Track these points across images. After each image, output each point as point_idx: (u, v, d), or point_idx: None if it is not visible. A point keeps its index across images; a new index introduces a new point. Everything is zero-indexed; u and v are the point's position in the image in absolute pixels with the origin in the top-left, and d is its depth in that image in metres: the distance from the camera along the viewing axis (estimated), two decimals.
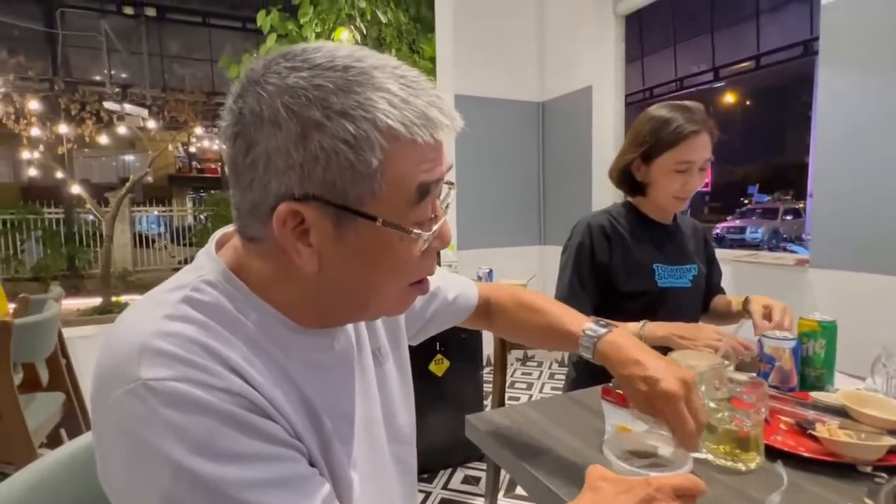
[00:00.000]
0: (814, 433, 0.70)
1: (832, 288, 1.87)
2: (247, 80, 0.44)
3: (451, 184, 0.50)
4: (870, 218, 1.77)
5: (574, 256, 1.23)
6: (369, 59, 0.43)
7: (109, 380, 0.41)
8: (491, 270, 2.26)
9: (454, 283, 0.80)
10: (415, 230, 0.45)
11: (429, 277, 0.52)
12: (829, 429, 0.70)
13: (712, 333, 1.00)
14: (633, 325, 1.12)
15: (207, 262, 0.49)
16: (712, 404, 0.71)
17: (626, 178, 1.27)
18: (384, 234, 0.44)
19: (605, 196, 2.90)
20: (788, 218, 12.45)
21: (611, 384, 0.95)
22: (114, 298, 6.57)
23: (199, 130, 8.16)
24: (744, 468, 0.68)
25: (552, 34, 3.34)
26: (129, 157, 12.78)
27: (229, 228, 0.52)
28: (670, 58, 12.84)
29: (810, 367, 0.92)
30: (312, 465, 0.48)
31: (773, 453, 0.70)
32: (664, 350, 0.99)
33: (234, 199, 0.46)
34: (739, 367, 0.95)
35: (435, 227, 0.47)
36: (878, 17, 1.72)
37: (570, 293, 1.22)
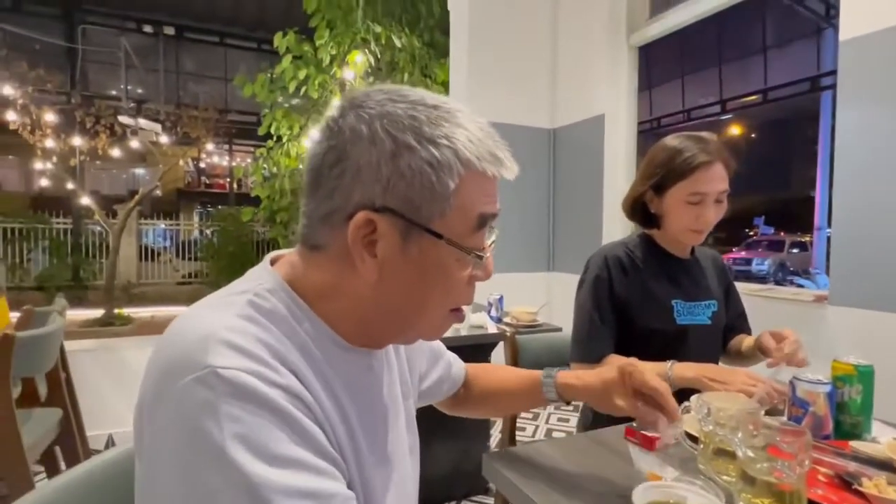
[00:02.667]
0: (860, 489, 0.66)
1: (853, 327, 1.81)
2: (348, 102, 0.50)
3: (493, 227, 0.54)
4: (892, 253, 1.72)
5: (592, 290, 1.19)
6: (452, 104, 0.51)
7: (176, 369, 0.42)
8: (501, 297, 2.22)
9: (448, 353, 0.83)
10: (473, 252, 0.50)
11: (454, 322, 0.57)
12: (876, 484, 0.66)
13: (745, 378, 0.96)
14: (661, 366, 1.07)
15: (264, 274, 0.52)
16: (750, 453, 0.66)
17: (639, 210, 1.24)
18: (444, 253, 0.49)
19: (616, 223, 2.88)
20: (795, 251, 12.38)
21: (634, 424, 0.90)
22: (116, 311, 6.54)
23: (210, 146, 8.24)
24: None
25: (565, 63, 3.37)
26: (140, 171, 12.91)
27: (282, 252, 0.57)
28: (678, 89, 12.97)
29: (846, 413, 0.87)
30: (350, 486, 0.48)
31: None
32: (692, 392, 0.94)
33: (306, 208, 0.51)
34: (767, 412, 0.90)
35: (483, 258, 0.51)
36: None
37: (591, 329, 1.17)
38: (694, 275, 1.24)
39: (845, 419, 0.88)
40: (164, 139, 7.01)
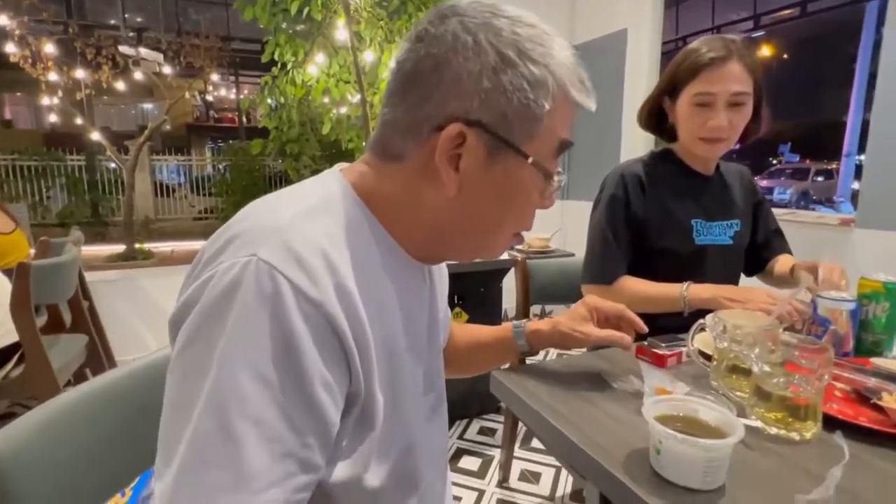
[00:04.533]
0: (879, 402, 0.64)
1: (880, 249, 1.75)
2: (449, 10, 0.48)
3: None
4: None
5: (607, 210, 1.14)
6: (546, 25, 0.49)
7: (232, 247, 0.42)
8: None
9: None
10: (552, 177, 0.50)
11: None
12: None
13: (764, 297, 0.92)
14: (676, 287, 1.04)
15: (333, 180, 0.51)
16: (767, 367, 0.64)
17: (654, 120, 1.15)
18: (526, 174, 0.49)
19: (636, 149, 2.76)
20: (819, 179, 11.93)
21: (645, 343, 0.89)
22: (137, 246, 6.67)
23: (214, 77, 7.96)
24: (798, 438, 0.62)
25: None
26: (148, 106, 12.70)
27: (347, 164, 0.55)
28: (708, 4, 12.01)
29: (869, 331, 0.84)
30: (372, 403, 0.47)
31: (829, 423, 0.64)
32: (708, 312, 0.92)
33: (390, 115, 0.49)
34: (787, 330, 0.87)
35: (553, 184, 0.52)
36: None
37: (604, 250, 1.13)
38: (717, 192, 1.17)
39: (867, 337, 0.85)
40: (167, 70, 6.77)
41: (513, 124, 0.47)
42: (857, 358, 0.81)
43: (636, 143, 2.79)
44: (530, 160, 0.48)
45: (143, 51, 6.32)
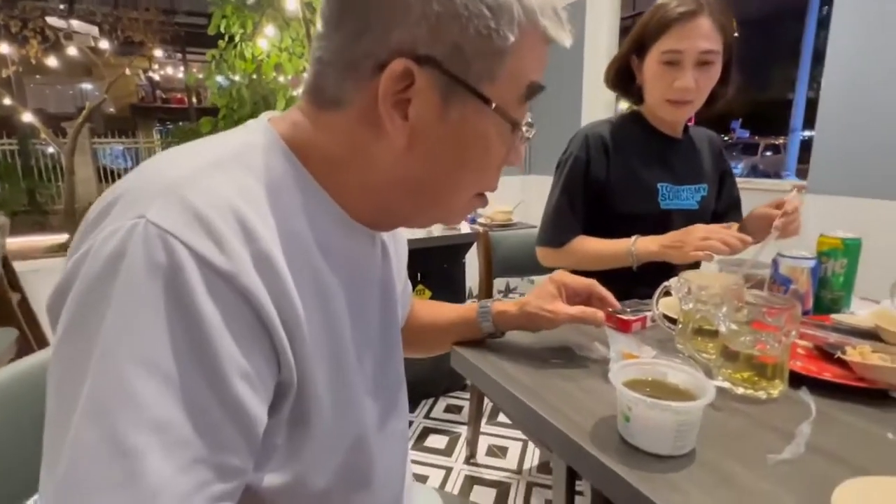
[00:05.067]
0: (843, 357, 0.63)
1: (831, 213, 1.81)
2: None
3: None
4: (872, 144, 1.72)
5: (567, 173, 1.10)
6: None
7: (116, 210, 0.35)
8: None
9: None
10: (519, 127, 0.43)
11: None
12: (860, 352, 0.63)
13: (700, 233, 0.90)
14: (624, 242, 1.02)
15: (258, 130, 0.43)
16: (734, 326, 0.62)
17: (621, 80, 1.11)
18: (488, 123, 0.42)
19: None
20: (768, 154, 12.44)
21: (611, 309, 0.86)
22: None
23: (158, 54, 7.52)
24: (765, 396, 0.60)
25: None
26: (87, 86, 11.89)
27: (277, 112, 0.46)
28: None
29: (827, 289, 0.84)
30: (308, 384, 0.40)
31: (794, 380, 0.62)
32: (663, 269, 0.90)
33: (323, 51, 0.41)
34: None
35: (521, 136, 0.45)
36: None
37: (558, 214, 1.10)
38: (685, 156, 1.14)
39: (826, 294, 0.85)
40: (104, 45, 6.34)
41: (471, 61, 0.39)
42: (817, 315, 0.81)
43: (597, 117, 2.78)
44: (493, 106, 0.41)
45: (76, 23, 5.88)
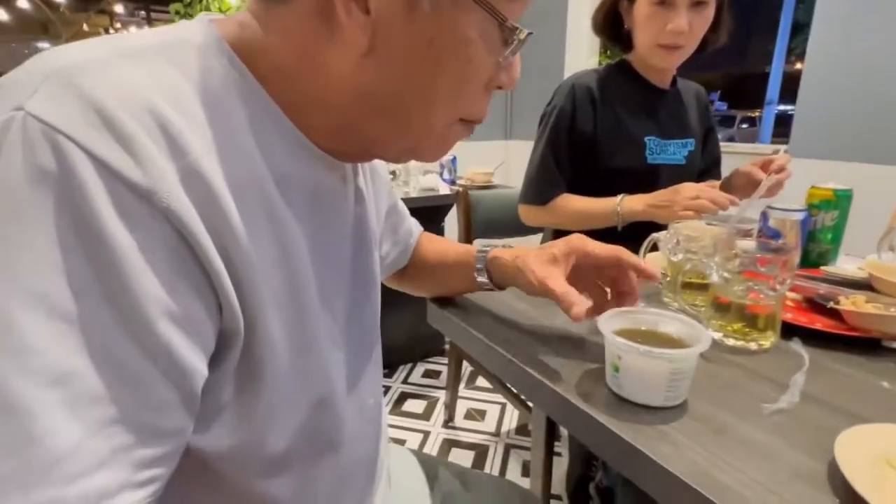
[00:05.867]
0: (836, 307, 0.60)
1: (811, 176, 1.81)
2: None
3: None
4: (854, 109, 1.74)
5: (552, 125, 1.05)
6: None
7: None
8: (454, 157, 2.07)
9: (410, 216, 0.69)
10: (508, 26, 0.35)
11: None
12: (853, 302, 0.60)
13: (689, 192, 0.88)
14: (610, 201, 0.99)
15: (195, 27, 0.35)
16: (727, 275, 0.59)
17: (609, 26, 1.05)
18: (468, 18, 0.34)
19: None
20: (744, 126, 12.61)
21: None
22: None
23: (120, 10, 7.07)
24: (756, 347, 0.58)
25: None
26: (44, 45, 11.22)
27: (220, 15, 0.37)
28: None
29: (815, 242, 0.82)
30: (255, 332, 0.34)
31: (786, 331, 0.60)
32: (649, 229, 0.87)
33: None
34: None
35: (518, 42, 0.36)
36: None
37: (542, 170, 1.06)
38: (673, 109, 1.10)
39: (814, 248, 0.83)
40: None
41: None
42: (805, 269, 0.79)
43: None
44: None
45: None
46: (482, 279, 0.62)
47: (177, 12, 4.41)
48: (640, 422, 0.44)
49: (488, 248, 0.63)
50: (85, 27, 6.76)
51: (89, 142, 0.25)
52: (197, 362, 0.30)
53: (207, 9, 4.30)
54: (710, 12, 0.95)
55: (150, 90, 0.29)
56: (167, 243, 0.28)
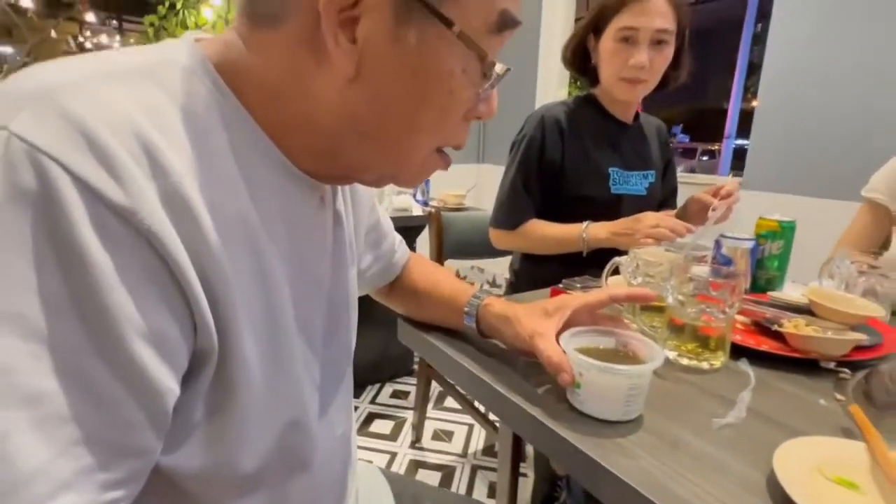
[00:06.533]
0: (780, 330, 0.65)
1: (764, 208, 1.92)
2: None
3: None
4: (803, 146, 1.87)
5: (522, 153, 1.10)
6: None
7: None
8: (428, 179, 2.10)
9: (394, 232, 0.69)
10: (488, 60, 0.36)
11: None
12: (795, 325, 0.65)
13: (650, 220, 0.94)
14: (576, 228, 1.04)
15: (181, 48, 0.35)
16: (681, 297, 0.63)
17: (578, 59, 1.12)
18: (451, 53, 0.35)
19: None
20: (705, 158, 13.26)
21: (560, 285, 0.87)
22: None
23: (91, 19, 6.93)
24: (708, 367, 0.61)
25: None
26: (7, 50, 10.84)
27: (206, 34, 0.38)
28: None
29: (763, 269, 0.88)
30: (231, 356, 0.34)
31: (734, 352, 0.64)
32: (613, 253, 0.91)
33: None
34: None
35: (496, 76, 0.38)
36: None
37: (512, 196, 1.10)
38: (636, 142, 1.17)
39: (762, 275, 0.88)
40: (27, 2, 5.77)
41: None
42: (754, 294, 0.84)
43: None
44: (456, 30, 0.34)
45: None
46: (469, 323, 0.62)
47: (151, 24, 4.37)
48: (599, 436, 0.47)
49: (485, 293, 0.63)
50: (53, 34, 6.60)
51: (72, 162, 0.26)
52: (169, 382, 0.30)
53: (183, 22, 4.27)
54: (669, 51, 1.03)
55: (134, 111, 0.29)
56: (145, 263, 0.28)
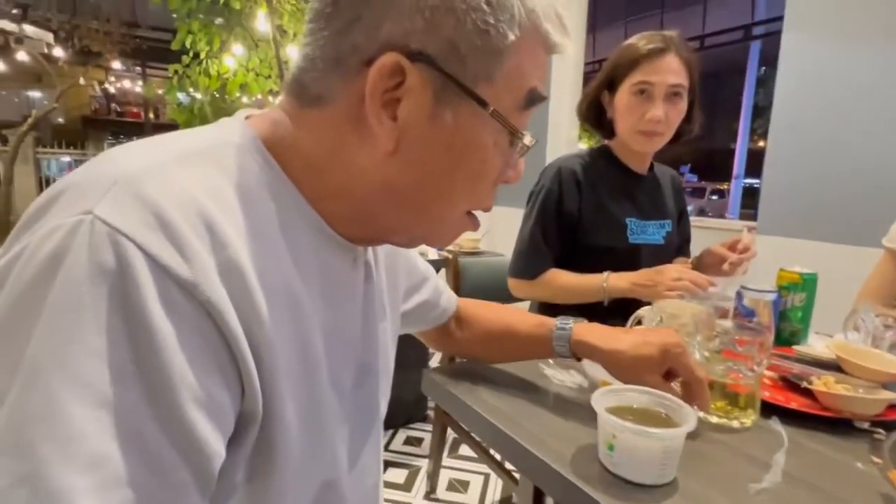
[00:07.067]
0: (809, 387, 0.64)
1: (780, 253, 1.91)
2: None
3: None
4: (817, 190, 1.86)
5: (540, 205, 1.12)
6: None
7: (58, 205, 0.30)
8: None
9: (436, 277, 0.71)
10: (519, 135, 0.40)
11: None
12: (825, 383, 0.65)
13: (672, 273, 0.94)
14: (596, 278, 1.04)
15: (234, 127, 0.39)
16: (707, 354, 0.63)
17: (593, 114, 1.16)
18: (484, 129, 0.39)
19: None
20: (714, 198, 13.30)
21: None
22: None
23: (117, 66, 7.30)
24: (738, 426, 0.61)
25: None
26: (36, 94, 11.34)
27: (256, 111, 0.43)
28: (621, 32, 12.98)
29: (787, 321, 0.88)
30: (270, 413, 0.36)
31: (765, 409, 0.63)
32: (635, 304, 0.91)
33: (309, 47, 0.38)
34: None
35: (524, 147, 0.42)
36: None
37: (531, 246, 1.11)
38: (651, 192, 1.19)
39: (786, 327, 0.88)
40: (58, 52, 6.11)
41: (467, 58, 0.36)
42: (779, 347, 0.84)
43: (561, 153, 2.87)
44: (489, 109, 0.37)
45: (29, 27, 5.65)
46: (564, 354, 0.66)
47: (175, 71, 4.57)
48: (636, 500, 0.46)
49: (566, 327, 0.66)
50: (81, 81, 6.95)
51: (145, 241, 0.29)
52: (218, 446, 0.31)
53: (206, 71, 4.47)
54: (683, 104, 1.06)
55: (198, 192, 0.33)
56: (203, 332, 0.30)
